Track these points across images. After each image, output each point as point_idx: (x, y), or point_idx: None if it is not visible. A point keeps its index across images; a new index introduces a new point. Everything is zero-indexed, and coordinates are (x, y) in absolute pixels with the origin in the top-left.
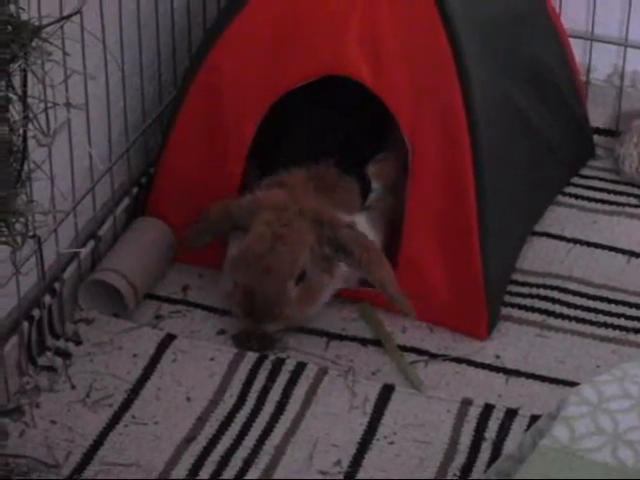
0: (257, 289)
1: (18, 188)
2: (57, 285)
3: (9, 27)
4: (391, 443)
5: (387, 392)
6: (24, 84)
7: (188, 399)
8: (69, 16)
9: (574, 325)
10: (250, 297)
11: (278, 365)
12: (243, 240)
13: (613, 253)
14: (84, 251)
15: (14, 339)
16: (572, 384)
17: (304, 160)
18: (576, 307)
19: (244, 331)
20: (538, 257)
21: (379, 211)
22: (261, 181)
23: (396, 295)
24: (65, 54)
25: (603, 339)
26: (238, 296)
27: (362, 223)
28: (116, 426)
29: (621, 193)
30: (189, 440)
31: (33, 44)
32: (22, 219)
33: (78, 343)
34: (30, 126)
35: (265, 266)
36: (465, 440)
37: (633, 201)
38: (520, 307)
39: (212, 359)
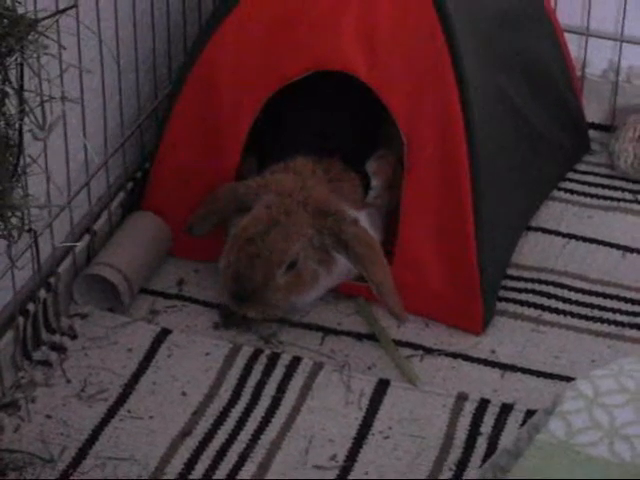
0: (244, 272)
1: (14, 182)
2: (52, 279)
3: (5, 20)
4: (386, 438)
5: (382, 387)
6: (20, 78)
7: (183, 394)
8: (65, 10)
9: (569, 320)
10: (237, 278)
11: (273, 360)
12: (242, 220)
13: (608, 248)
14: (79, 245)
15: (9, 334)
16: (567, 379)
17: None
18: (571, 302)
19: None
20: (533, 252)
21: (378, 208)
22: (265, 170)
23: (390, 298)
24: (61, 47)
25: (598, 334)
26: (227, 276)
27: (364, 220)
28: (111, 420)
29: (616, 188)
30: (185, 434)
31: (29, 37)
32: (18, 213)
33: (73, 337)
34: (26, 120)
35: (255, 251)
36: (461, 435)
37: (628, 196)
38: (515, 302)
39: (207, 354)
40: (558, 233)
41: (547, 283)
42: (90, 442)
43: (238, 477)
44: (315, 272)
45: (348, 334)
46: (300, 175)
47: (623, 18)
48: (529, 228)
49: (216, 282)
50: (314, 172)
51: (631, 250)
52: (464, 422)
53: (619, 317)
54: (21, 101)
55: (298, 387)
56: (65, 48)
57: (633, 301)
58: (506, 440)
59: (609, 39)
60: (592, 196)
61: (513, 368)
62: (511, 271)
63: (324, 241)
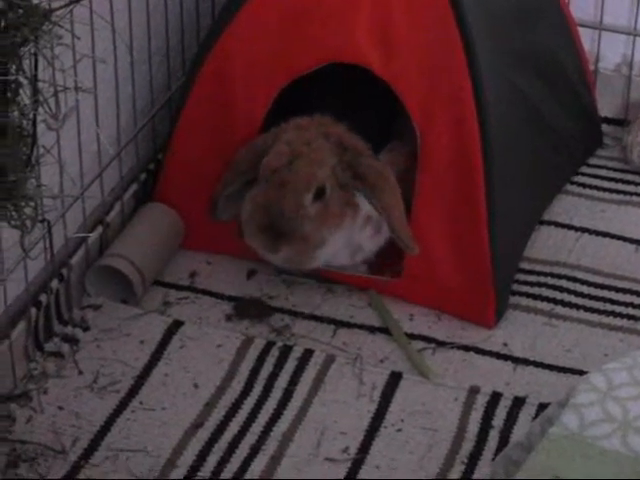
0: (273, 203)
1: (28, 172)
2: (65, 270)
3: (20, 10)
4: (399, 430)
5: (395, 380)
6: (34, 68)
7: (195, 385)
8: (79, 0)
9: (582, 314)
10: (268, 209)
11: (286, 352)
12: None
13: (621, 242)
14: (92, 236)
15: (21, 325)
16: (580, 372)
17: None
18: (584, 296)
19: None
20: (546, 246)
21: None
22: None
23: (399, 228)
24: (75, 37)
25: (611, 328)
26: (254, 213)
27: None
28: (123, 412)
29: (629, 182)
30: (196, 426)
31: (43, 27)
32: (31, 203)
33: (85, 329)
34: (40, 110)
35: (281, 180)
36: (473, 428)
37: None
38: (528, 295)
39: (220, 345)
40: (571, 227)
41: (560, 277)
42: (102, 434)
43: (250, 469)
44: (342, 209)
45: (360, 327)
46: (317, 119)
47: (637, 12)
48: (542, 222)
49: (228, 274)
50: (332, 121)
51: None
52: (476, 415)
53: (632, 311)
54: (35, 91)
55: (310, 379)
56: (79, 38)
57: None
58: (518, 433)
59: (622, 33)
60: (605, 190)
61: (525, 361)
62: (524, 265)
63: (345, 175)
